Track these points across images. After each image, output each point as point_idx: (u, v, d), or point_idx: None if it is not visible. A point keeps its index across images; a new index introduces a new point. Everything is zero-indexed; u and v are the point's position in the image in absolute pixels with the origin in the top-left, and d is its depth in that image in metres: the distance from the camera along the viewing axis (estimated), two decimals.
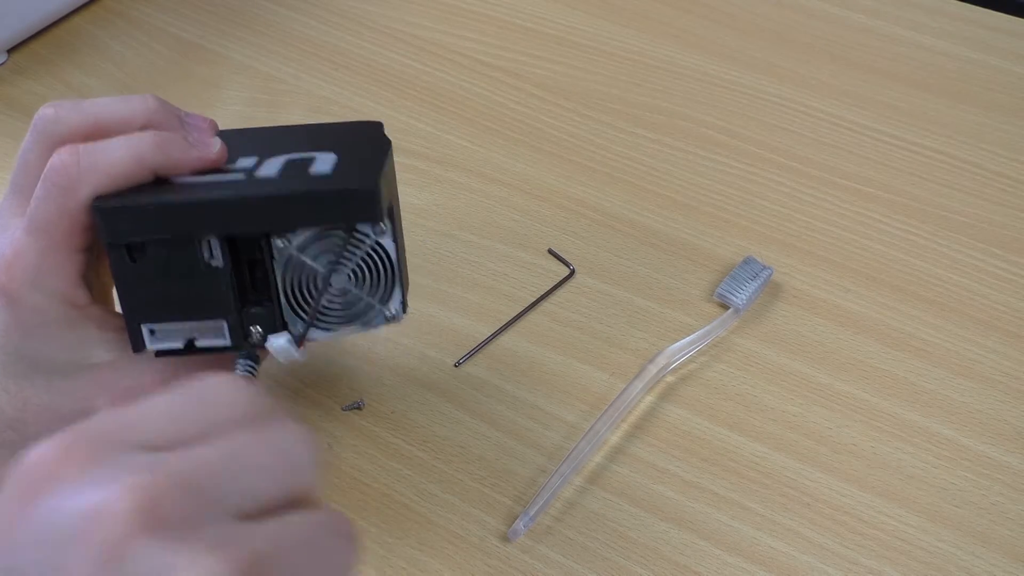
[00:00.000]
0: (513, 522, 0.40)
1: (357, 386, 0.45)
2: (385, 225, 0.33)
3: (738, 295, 0.47)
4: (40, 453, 0.22)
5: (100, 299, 0.36)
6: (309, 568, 0.23)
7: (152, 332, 0.34)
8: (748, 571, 0.39)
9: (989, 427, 0.44)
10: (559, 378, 0.46)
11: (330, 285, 0.33)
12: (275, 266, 0.33)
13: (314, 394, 0.45)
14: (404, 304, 0.35)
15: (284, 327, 0.34)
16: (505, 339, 0.47)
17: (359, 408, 0.44)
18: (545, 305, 0.49)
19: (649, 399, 0.45)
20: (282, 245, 0.33)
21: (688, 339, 0.46)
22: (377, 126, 0.38)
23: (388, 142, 0.37)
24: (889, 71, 0.63)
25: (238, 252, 0.34)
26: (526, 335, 0.48)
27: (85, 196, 0.32)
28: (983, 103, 0.61)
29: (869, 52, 0.65)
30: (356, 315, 0.34)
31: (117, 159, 0.32)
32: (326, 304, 0.34)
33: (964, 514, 0.41)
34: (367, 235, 0.33)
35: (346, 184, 0.33)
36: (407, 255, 0.37)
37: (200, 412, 0.24)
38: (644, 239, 0.52)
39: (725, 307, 0.48)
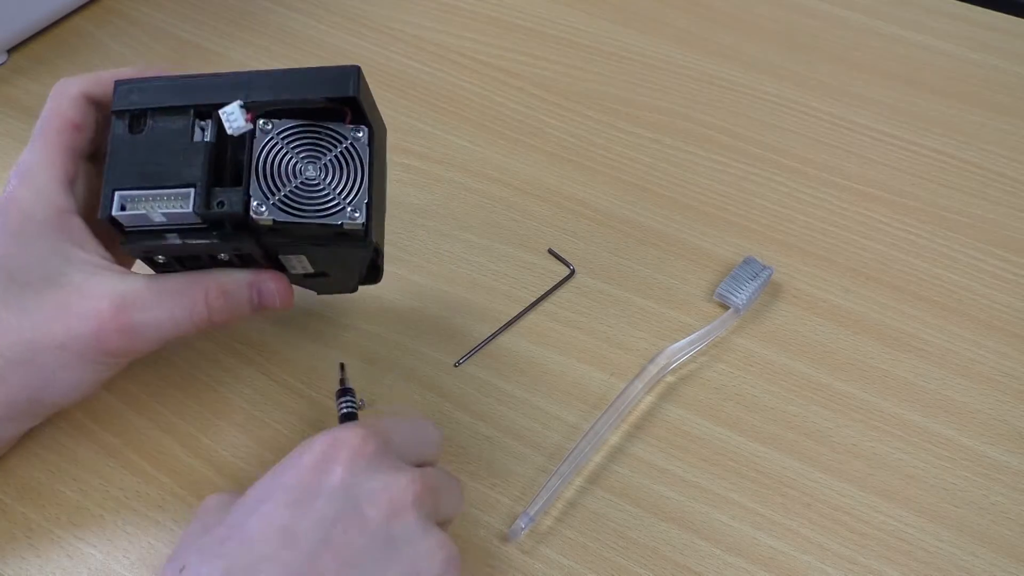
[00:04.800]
0: (513, 522, 0.40)
1: (357, 386, 0.45)
2: (361, 131, 0.35)
3: (738, 295, 0.47)
4: (348, 435, 0.33)
5: (86, 217, 0.37)
6: None
7: (123, 207, 0.34)
8: (748, 571, 0.39)
9: (989, 427, 0.44)
10: (559, 378, 0.46)
11: (299, 172, 0.35)
12: (255, 144, 0.35)
13: (315, 394, 0.45)
14: (368, 224, 0.35)
15: (247, 203, 0.34)
16: (505, 339, 0.47)
17: (360, 408, 0.44)
18: (545, 305, 0.49)
19: (649, 399, 0.45)
20: (267, 128, 0.35)
21: (688, 339, 0.46)
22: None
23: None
24: (889, 71, 0.63)
25: (225, 142, 0.35)
26: (526, 335, 0.48)
27: (76, 92, 0.37)
28: (983, 103, 0.61)
29: (869, 52, 0.65)
30: (320, 209, 0.34)
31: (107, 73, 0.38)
32: (294, 190, 0.34)
33: (964, 514, 0.41)
34: (345, 136, 0.35)
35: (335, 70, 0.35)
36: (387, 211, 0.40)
37: (425, 444, 0.36)
38: (644, 239, 0.52)
39: (725, 307, 0.48)
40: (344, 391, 0.41)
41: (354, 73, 0.34)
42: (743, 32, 0.66)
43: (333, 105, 0.35)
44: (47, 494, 0.40)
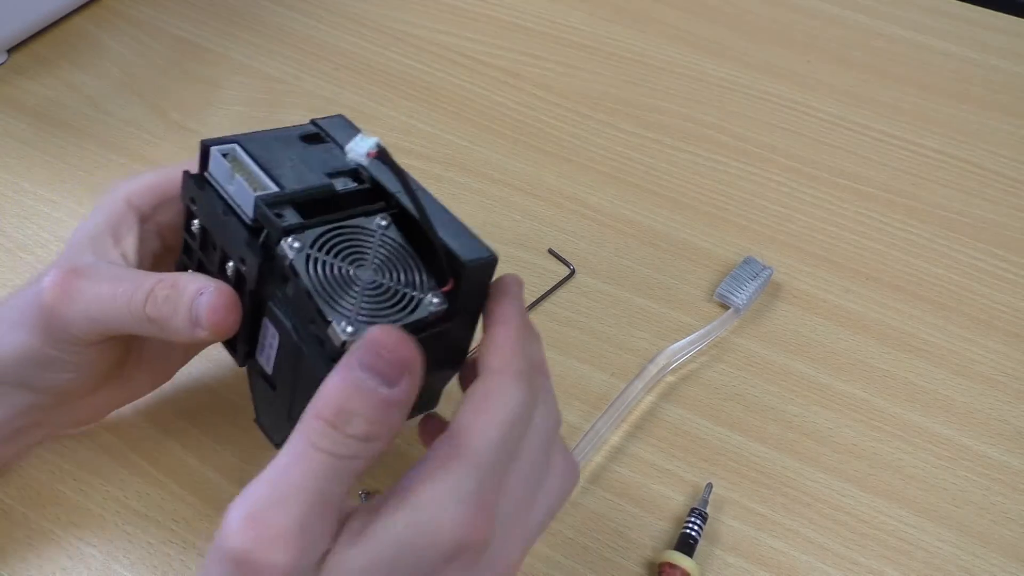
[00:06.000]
0: None
1: None
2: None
3: (738, 295, 0.47)
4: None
5: (145, 245, 0.37)
6: None
7: (224, 154, 0.33)
8: (748, 571, 0.39)
9: (989, 427, 0.44)
10: (559, 378, 0.46)
11: (357, 267, 0.31)
12: (361, 222, 0.32)
13: None
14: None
15: (289, 232, 0.31)
16: None
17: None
18: (545, 305, 0.49)
19: (649, 399, 0.45)
20: (383, 223, 0.33)
21: (688, 339, 0.46)
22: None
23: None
24: (889, 71, 0.63)
25: (348, 204, 0.33)
26: None
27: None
28: (983, 103, 0.61)
29: (869, 52, 0.65)
30: (329, 298, 0.30)
31: None
32: (334, 265, 0.31)
33: (964, 514, 0.41)
34: (422, 294, 0.32)
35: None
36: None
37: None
38: (644, 239, 0.52)
39: (725, 307, 0.48)
40: (699, 513, 0.40)
41: (488, 258, 0.32)
42: (744, 32, 0.66)
43: (446, 261, 0.32)
44: (47, 494, 0.40)
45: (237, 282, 0.33)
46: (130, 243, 0.36)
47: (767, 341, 0.48)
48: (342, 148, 0.34)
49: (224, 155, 0.33)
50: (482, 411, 0.29)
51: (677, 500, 0.41)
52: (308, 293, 0.30)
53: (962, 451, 0.44)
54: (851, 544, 0.40)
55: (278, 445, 0.34)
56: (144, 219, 0.37)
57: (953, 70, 0.63)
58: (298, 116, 0.59)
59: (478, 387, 0.29)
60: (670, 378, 0.46)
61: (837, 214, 0.54)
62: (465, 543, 0.27)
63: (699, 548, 0.39)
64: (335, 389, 0.26)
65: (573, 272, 0.50)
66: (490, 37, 0.65)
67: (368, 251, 0.32)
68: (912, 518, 0.41)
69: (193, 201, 0.34)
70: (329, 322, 0.29)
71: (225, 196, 0.33)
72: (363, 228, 0.32)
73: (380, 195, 0.34)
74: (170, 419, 0.43)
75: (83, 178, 0.54)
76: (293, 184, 0.32)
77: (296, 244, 0.31)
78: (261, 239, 0.32)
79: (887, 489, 0.42)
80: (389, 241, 0.32)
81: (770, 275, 0.49)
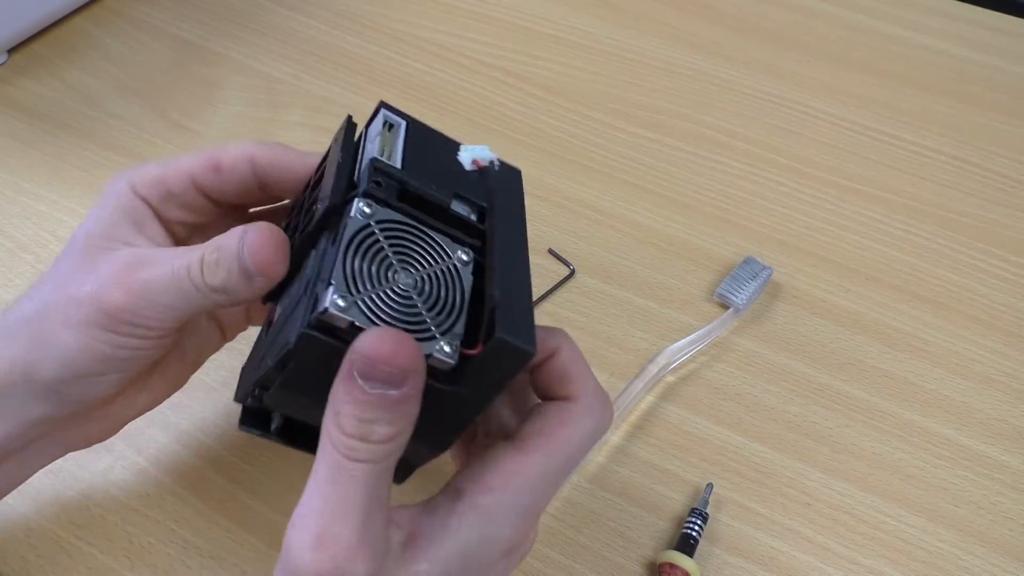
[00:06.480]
0: None
1: None
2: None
3: (738, 295, 0.47)
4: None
5: (169, 232, 0.36)
6: None
7: (387, 123, 0.33)
8: (748, 571, 0.39)
9: (989, 427, 0.44)
10: None
11: (397, 270, 0.29)
12: (422, 216, 0.30)
13: None
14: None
15: (358, 194, 0.29)
16: None
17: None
18: (545, 305, 0.49)
19: (649, 399, 0.45)
20: (465, 258, 0.30)
21: (688, 339, 0.46)
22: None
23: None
24: (889, 71, 0.63)
25: (446, 216, 0.31)
26: None
27: (246, 153, 0.35)
28: (983, 103, 0.61)
29: (869, 52, 0.65)
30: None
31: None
32: (375, 244, 0.29)
33: (964, 514, 0.41)
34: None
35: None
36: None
37: None
38: (644, 239, 0.52)
39: (725, 307, 0.48)
40: (700, 513, 0.40)
41: (525, 349, 0.27)
42: (743, 32, 0.66)
43: (487, 322, 0.28)
44: (47, 494, 0.40)
45: (306, 224, 0.31)
46: (156, 229, 0.35)
47: (767, 341, 0.48)
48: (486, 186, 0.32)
49: (386, 123, 0.32)
50: (557, 436, 0.30)
51: (677, 500, 0.41)
52: (336, 254, 0.28)
53: (962, 451, 0.44)
54: (851, 544, 0.40)
55: (235, 399, 0.35)
56: (154, 213, 0.36)
57: (953, 70, 0.63)
58: (298, 116, 0.59)
59: (555, 410, 0.31)
60: (670, 378, 0.46)
61: (837, 214, 0.54)
62: (519, 543, 0.30)
63: (699, 548, 0.39)
64: (346, 404, 0.26)
65: (573, 272, 0.50)
66: (490, 37, 0.65)
67: (426, 266, 0.29)
68: (912, 518, 0.41)
69: (336, 141, 0.33)
70: (330, 284, 0.27)
71: (360, 152, 0.32)
72: (440, 247, 0.30)
73: (483, 238, 0.31)
74: (170, 420, 0.43)
75: (83, 178, 0.54)
76: (416, 177, 0.30)
77: (366, 210, 0.29)
78: (349, 193, 0.30)
79: (887, 489, 0.42)
80: (453, 272, 0.30)
81: (770, 275, 0.49)
